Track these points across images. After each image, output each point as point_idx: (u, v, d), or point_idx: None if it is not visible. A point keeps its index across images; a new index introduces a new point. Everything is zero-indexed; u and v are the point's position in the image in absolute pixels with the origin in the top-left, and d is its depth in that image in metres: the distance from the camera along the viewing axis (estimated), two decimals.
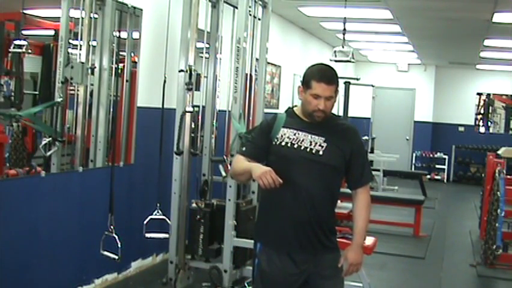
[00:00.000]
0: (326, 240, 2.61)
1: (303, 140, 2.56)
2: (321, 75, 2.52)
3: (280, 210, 2.59)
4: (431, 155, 13.70)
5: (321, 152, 2.55)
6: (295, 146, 2.56)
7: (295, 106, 2.73)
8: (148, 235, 4.50)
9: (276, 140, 2.59)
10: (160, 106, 4.67)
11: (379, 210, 8.13)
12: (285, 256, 2.59)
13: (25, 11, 3.85)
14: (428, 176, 12.96)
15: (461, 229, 8.20)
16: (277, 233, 2.60)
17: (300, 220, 2.56)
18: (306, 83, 2.56)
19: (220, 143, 5.29)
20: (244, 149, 2.71)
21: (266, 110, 5.27)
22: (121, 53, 4.69)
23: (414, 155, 13.80)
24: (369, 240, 4.47)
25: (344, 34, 6.57)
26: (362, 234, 2.69)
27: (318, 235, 2.58)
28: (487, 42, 9.36)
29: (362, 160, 2.69)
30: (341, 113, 9.76)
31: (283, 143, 2.57)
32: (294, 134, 2.58)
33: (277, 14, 8.15)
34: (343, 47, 6.62)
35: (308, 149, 2.55)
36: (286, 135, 2.58)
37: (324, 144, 2.56)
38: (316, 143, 2.56)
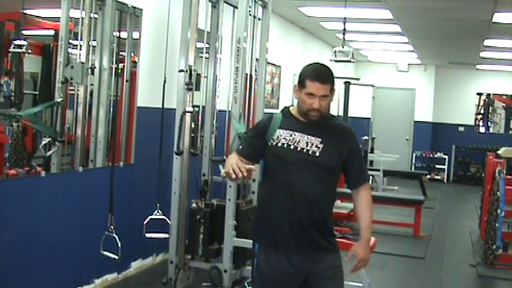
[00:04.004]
0: (323, 241, 2.61)
1: (299, 141, 2.56)
2: (315, 74, 2.53)
3: (277, 211, 2.59)
4: (431, 155, 13.69)
5: (317, 153, 2.55)
6: (292, 147, 2.56)
7: (292, 106, 2.73)
8: (148, 235, 4.50)
9: (272, 141, 2.59)
10: (160, 106, 4.68)
11: (379, 210, 8.11)
12: (283, 256, 2.59)
13: (25, 11, 3.84)
14: (428, 176, 12.95)
15: (461, 229, 8.20)
16: (275, 233, 2.60)
17: (297, 221, 2.56)
18: (301, 82, 2.56)
19: (220, 143, 5.29)
20: (240, 147, 2.71)
21: (266, 110, 5.27)
22: (121, 53, 4.69)
23: (414, 155, 13.79)
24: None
25: (344, 34, 6.56)
26: (369, 230, 2.73)
27: (315, 236, 2.59)
28: (487, 42, 9.36)
29: (359, 160, 2.71)
30: (341, 113, 9.75)
31: (279, 144, 2.57)
32: (290, 135, 2.58)
33: (277, 14, 8.14)
34: (343, 47, 6.62)
35: (304, 150, 2.55)
36: (282, 136, 2.58)
37: (321, 145, 2.56)
38: (312, 144, 2.56)
